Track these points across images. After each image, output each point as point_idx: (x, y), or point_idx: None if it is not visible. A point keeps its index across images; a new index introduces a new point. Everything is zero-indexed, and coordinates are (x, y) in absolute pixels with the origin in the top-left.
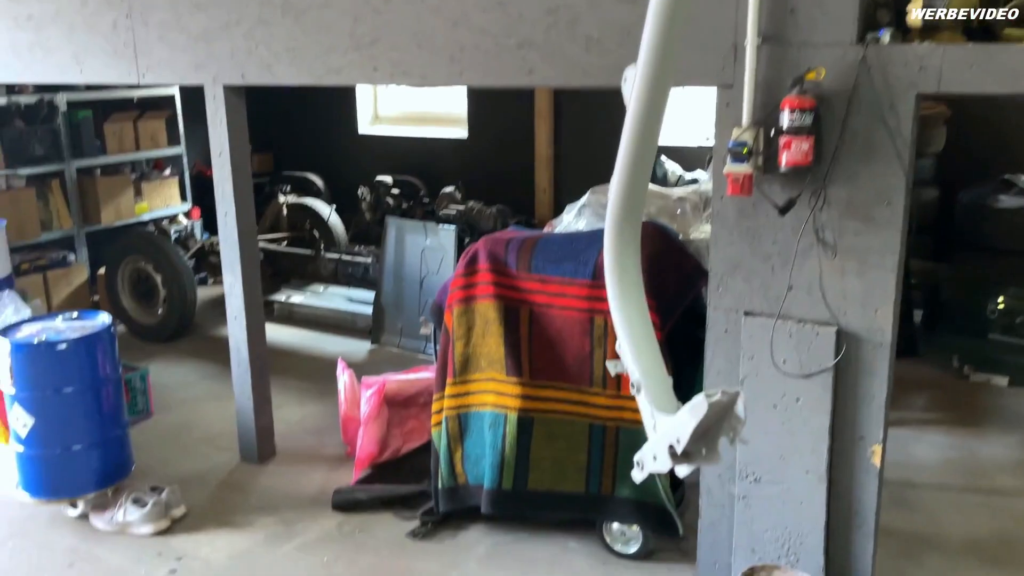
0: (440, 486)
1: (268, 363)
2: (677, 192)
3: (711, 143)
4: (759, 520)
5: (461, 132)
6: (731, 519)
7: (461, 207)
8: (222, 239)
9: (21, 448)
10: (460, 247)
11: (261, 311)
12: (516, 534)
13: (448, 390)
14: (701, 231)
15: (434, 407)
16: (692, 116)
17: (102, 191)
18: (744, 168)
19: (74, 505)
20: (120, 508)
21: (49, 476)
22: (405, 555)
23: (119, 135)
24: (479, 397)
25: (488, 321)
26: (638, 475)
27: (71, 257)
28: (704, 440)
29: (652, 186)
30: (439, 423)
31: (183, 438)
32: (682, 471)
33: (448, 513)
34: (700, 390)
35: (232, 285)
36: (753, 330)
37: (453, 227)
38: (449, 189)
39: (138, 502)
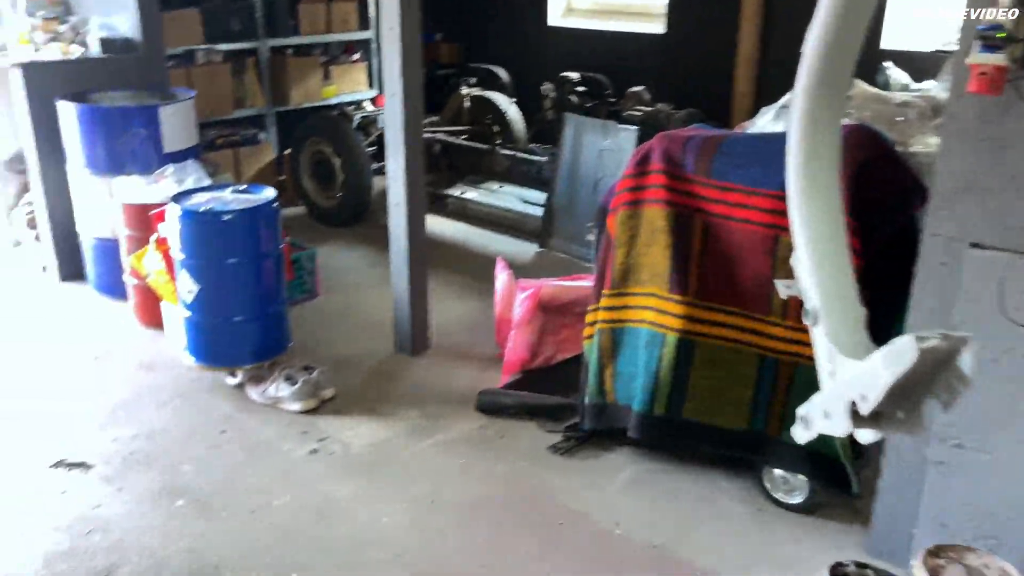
0: (587, 402)
1: (427, 253)
2: (900, 96)
3: (952, 47)
4: (956, 492)
5: (658, 28)
6: (920, 485)
7: (648, 108)
8: (387, 122)
9: (188, 313)
10: None
11: (423, 200)
12: (664, 464)
13: (604, 302)
14: (926, 143)
15: (587, 318)
16: (929, 16)
17: (293, 72)
18: (996, 58)
19: (233, 375)
20: (273, 383)
21: (210, 344)
22: (543, 468)
23: (312, 16)
24: (637, 312)
25: (655, 230)
26: (801, 434)
27: (261, 136)
28: (904, 400)
29: (869, 88)
30: (591, 336)
31: (343, 322)
32: (865, 437)
33: (594, 431)
34: (900, 334)
35: (395, 171)
36: (980, 266)
37: (634, 128)
38: (637, 88)
39: (290, 379)
